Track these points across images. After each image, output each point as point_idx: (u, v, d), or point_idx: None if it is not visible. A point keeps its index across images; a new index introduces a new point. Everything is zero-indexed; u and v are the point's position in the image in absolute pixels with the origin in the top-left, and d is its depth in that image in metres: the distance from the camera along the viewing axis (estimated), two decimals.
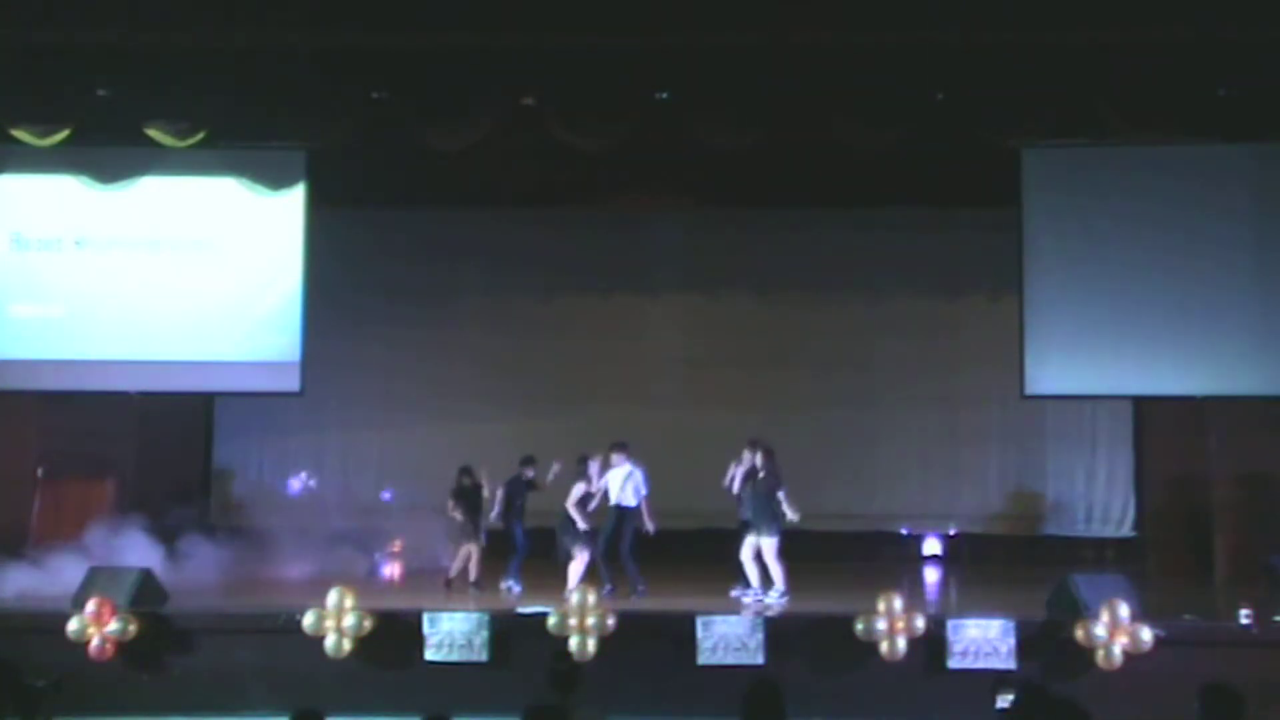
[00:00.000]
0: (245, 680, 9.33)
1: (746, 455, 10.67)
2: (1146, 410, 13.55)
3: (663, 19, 9.90)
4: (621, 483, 10.80)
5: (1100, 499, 14.08)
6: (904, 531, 14.10)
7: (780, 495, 10.30)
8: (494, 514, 11.19)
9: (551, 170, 12.89)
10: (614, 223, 14.33)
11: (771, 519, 10.28)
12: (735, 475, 10.64)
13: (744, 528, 10.56)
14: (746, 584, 10.51)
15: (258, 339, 12.31)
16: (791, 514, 10.27)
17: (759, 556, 10.37)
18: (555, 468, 11.07)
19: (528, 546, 11.19)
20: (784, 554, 10.36)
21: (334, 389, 13.73)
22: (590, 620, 9.16)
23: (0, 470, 12.34)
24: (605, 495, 10.84)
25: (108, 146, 11.73)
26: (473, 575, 11.10)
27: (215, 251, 12.35)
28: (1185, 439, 12.88)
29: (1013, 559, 13.94)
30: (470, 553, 11.14)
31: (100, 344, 12.13)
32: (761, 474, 10.41)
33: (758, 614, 9.66)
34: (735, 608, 10.06)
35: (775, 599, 10.24)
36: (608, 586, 10.46)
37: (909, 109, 10.54)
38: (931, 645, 9.24)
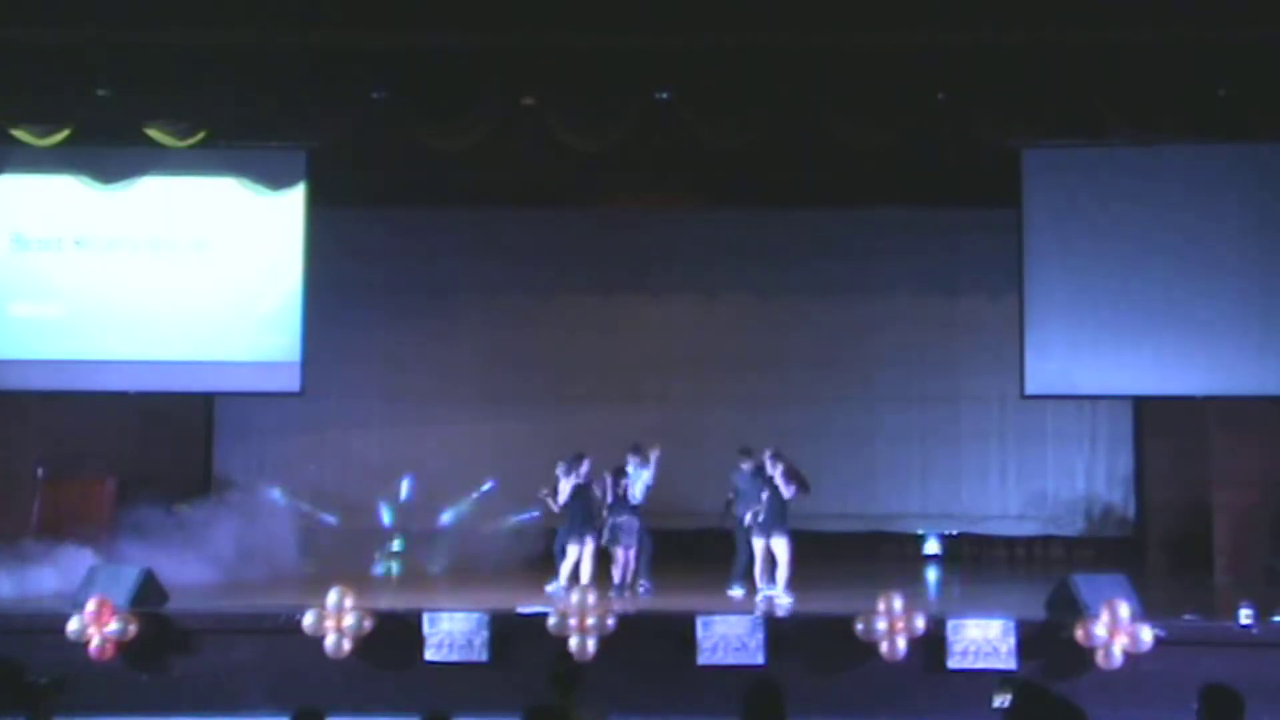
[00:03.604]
0: (245, 680, 9.31)
1: (744, 460, 10.80)
2: (1146, 410, 13.55)
3: (663, 19, 9.91)
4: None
5: (1100, 499, 14.08)
6: (919, 532, 14.08)
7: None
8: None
9: (551, 170, 12.88)
10: (614, 223, 14.31)
11: (786, 519, 10.39)
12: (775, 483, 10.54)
13: (756, 530, 10.52)
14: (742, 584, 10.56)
15: (258, 339, 12.31)
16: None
17: (769, 555, 10.42)
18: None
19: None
20: None
21: (334, 389, 13.69)
22: (590, 620, 9.14)
23: (0, 470, 12.33)
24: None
25: (108, 146, 11.73)
26: (617, 576, 10.68)
27: (216, 251, 12.36)
28: (1185, 439, 12.88)
29: (1013, 559, 13.98)
30: (617, 554, 10.74)
31: (100, 344, 12.13)
32: (779, 477, 10.43)
33: (758, 614, 9.65)
34: (735, 607, 10.03)
35: (784, 596, 10.26)
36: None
37: (909, 109, 10.54)
38: (931, 645, 9.21)
